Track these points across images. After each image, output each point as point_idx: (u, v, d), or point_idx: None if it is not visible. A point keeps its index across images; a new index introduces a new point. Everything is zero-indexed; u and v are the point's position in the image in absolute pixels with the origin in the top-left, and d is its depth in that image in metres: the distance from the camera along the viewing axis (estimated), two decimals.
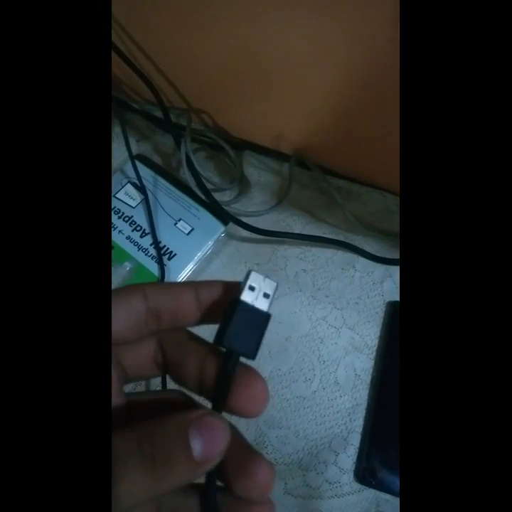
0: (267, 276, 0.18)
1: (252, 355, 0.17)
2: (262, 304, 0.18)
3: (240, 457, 0.17)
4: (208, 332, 0.19)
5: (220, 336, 0.17)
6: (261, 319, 0.18)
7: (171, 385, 0.20)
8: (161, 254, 0.42)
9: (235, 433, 0.18)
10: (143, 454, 0.14)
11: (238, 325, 0.17)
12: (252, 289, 0.18)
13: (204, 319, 0.19)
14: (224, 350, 0.17)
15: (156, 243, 0.42)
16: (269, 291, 0.18)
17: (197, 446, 0.15)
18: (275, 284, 0.18)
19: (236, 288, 0.18)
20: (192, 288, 0.19)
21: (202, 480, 0.17)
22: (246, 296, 0.18)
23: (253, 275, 0.18)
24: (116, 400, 0.18)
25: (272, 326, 0.18)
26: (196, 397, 0.19)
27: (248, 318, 0.17)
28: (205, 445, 0.15)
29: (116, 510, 0.13)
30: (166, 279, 0.41)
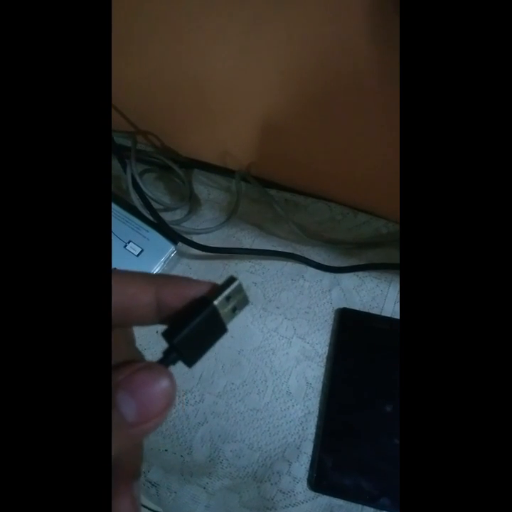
0: (246, 290, 0.17)
1: (190, 365, 0.16)
2: (227, 318, 0.17)
3: None
4: None
5: (172, 331, 0.16)
6: (217, 332, 0.17)
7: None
8: None
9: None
10: None
11: (196, 329, 0.16)
12: (227, 298, 0.17)
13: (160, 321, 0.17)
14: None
15: None
16: (240, 308, 0.17)
17: (129, 410, 0.13)
18: (248, 302, 0.18)
19: (203, 287, 0.17)
20: (151, 285, 0.16)
21: None
22: (218, 304, 0.16)
23: (235, 286, 0.17)
24: None
25: (224, 340, 0.17)
26: None
27: (208, 326, 0.16)
28: (140, 407, 0.13)
29: None
30: None
